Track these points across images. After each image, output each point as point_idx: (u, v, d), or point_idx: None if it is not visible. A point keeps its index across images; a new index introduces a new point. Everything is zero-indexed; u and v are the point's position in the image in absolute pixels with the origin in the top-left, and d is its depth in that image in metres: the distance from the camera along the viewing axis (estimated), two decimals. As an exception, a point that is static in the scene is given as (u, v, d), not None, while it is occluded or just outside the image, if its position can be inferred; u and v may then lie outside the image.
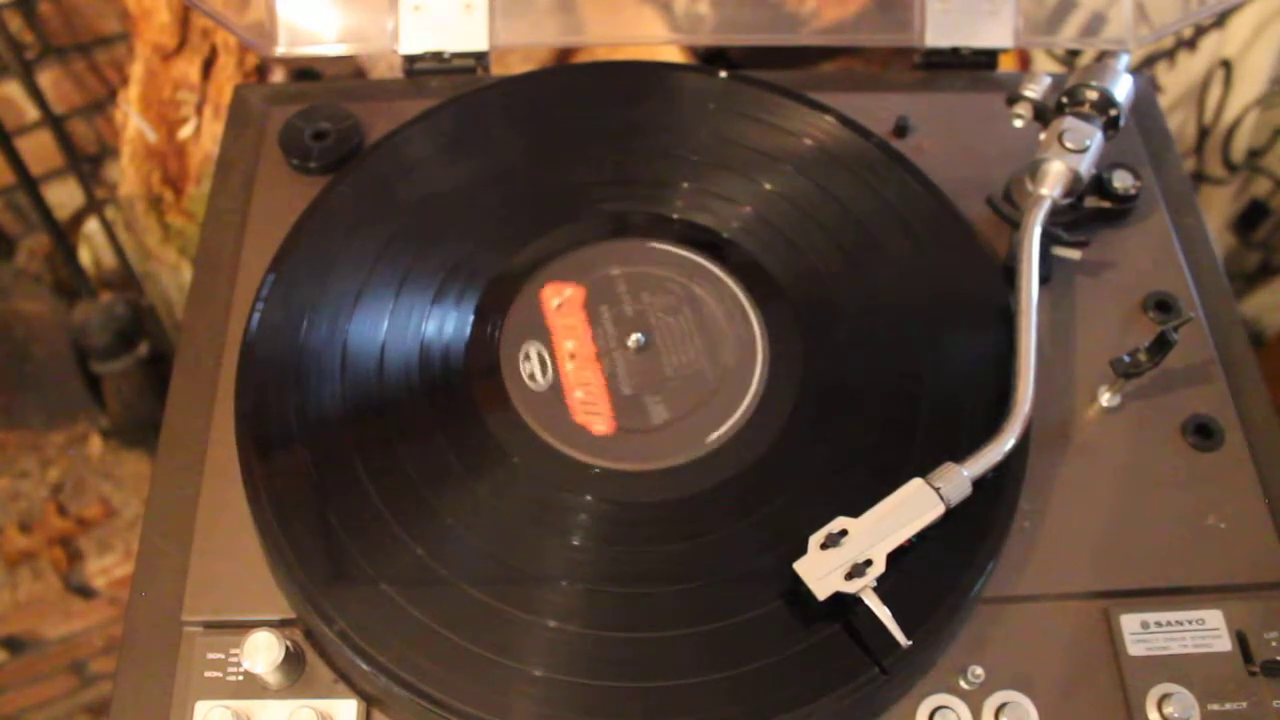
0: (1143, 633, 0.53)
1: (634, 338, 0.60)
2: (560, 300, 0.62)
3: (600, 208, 0.65)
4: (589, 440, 0.57)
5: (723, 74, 0.70)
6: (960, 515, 0.52)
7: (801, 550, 0.50)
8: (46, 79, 1.26)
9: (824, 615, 0.51)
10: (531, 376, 0.59)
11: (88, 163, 1.38)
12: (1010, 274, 0.60)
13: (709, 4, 0.83)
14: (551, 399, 0.58)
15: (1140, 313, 0.64)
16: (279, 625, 0.52)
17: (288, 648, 0.50)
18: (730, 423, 0.58)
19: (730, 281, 0.63)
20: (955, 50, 0.75)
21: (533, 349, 0.60)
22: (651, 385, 0.59)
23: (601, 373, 0.59)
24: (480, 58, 0.74)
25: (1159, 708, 0.51)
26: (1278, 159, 1.15)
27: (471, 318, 0.61)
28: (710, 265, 0.63)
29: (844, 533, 0.50)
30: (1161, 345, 0.56)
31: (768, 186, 0.66)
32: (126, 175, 1.27)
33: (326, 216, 0.63)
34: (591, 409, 0.58)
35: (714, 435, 0.57)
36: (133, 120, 1.23)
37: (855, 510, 0.51)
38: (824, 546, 0.50)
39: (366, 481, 0.54)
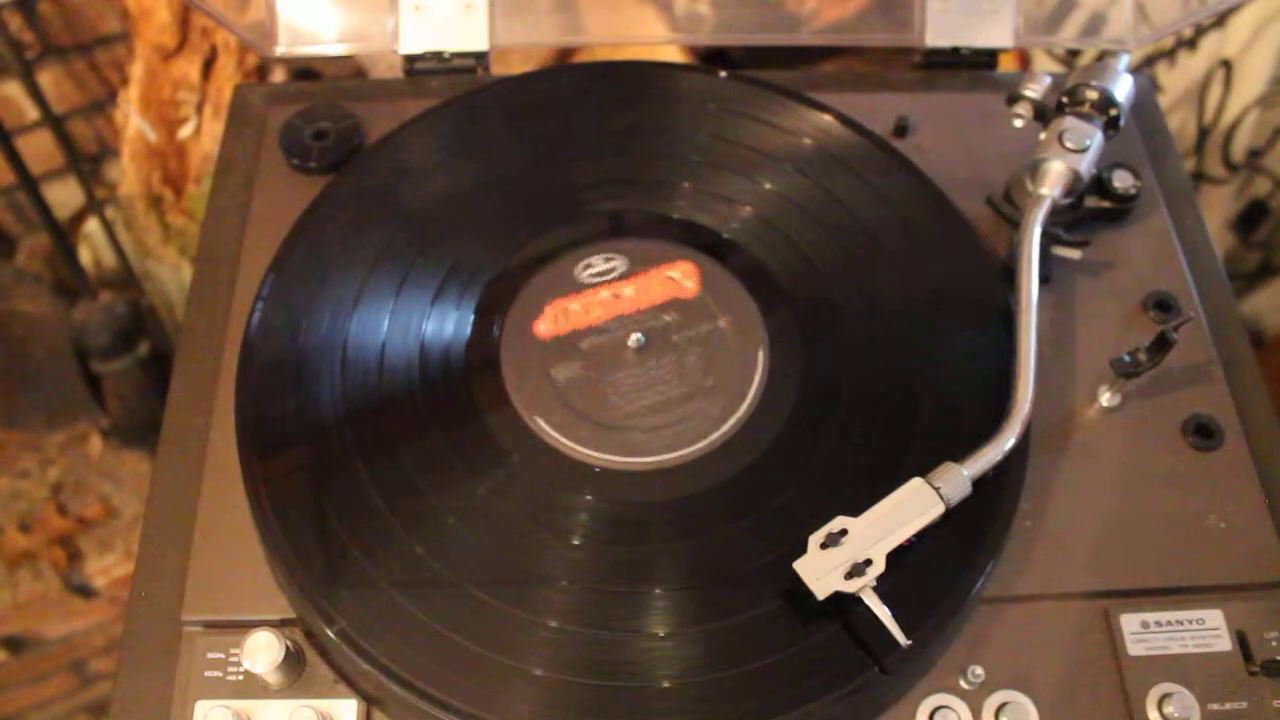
0: (1143, 632, 0.53)
1: (634, 337, 0.60)
2: (549, 323, 0.62)
3: (600, 208, 0.65)
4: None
5: (723, 74, 0.70)
6: (960, 515, 0.52)
7: (801, 550, 0.50)
8: (46, 79, 1.26)
9: (824, 615, 0.51)
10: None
11: (88, 163, 1.38)
12: (1010, 274, 0.60)
13: (709, 4, 0.83)
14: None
15: (1140, 313, 0.64)
16: (279, 625, 0.52)
17: (288, 648, 0.50)
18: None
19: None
20: (955, 50, 0.75)
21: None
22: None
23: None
24: (480, 58, 0.74)
25: (1159, 707, 0.51)
26: (1278, 159, 1.15)
27: (471, 317, 0.61)
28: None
29: (844, 532, 0.50)
30: (1161, 345, 0.56)
31: (768, 186, 0.66)
32: (126, 175, 1.27)
33: (326, 216, 0.63)
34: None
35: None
36: (133, 120, 1.23)
37: (855, 510, 0.51)
38: (824, 546, 0.50)
39: (366, 481, 0.54)
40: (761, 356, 0.60)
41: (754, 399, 0.58)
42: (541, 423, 0.57)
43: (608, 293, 0.62)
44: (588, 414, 0.58)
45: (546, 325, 0.61)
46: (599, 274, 0.62)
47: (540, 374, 0.59)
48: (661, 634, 0.51)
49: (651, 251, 0.63)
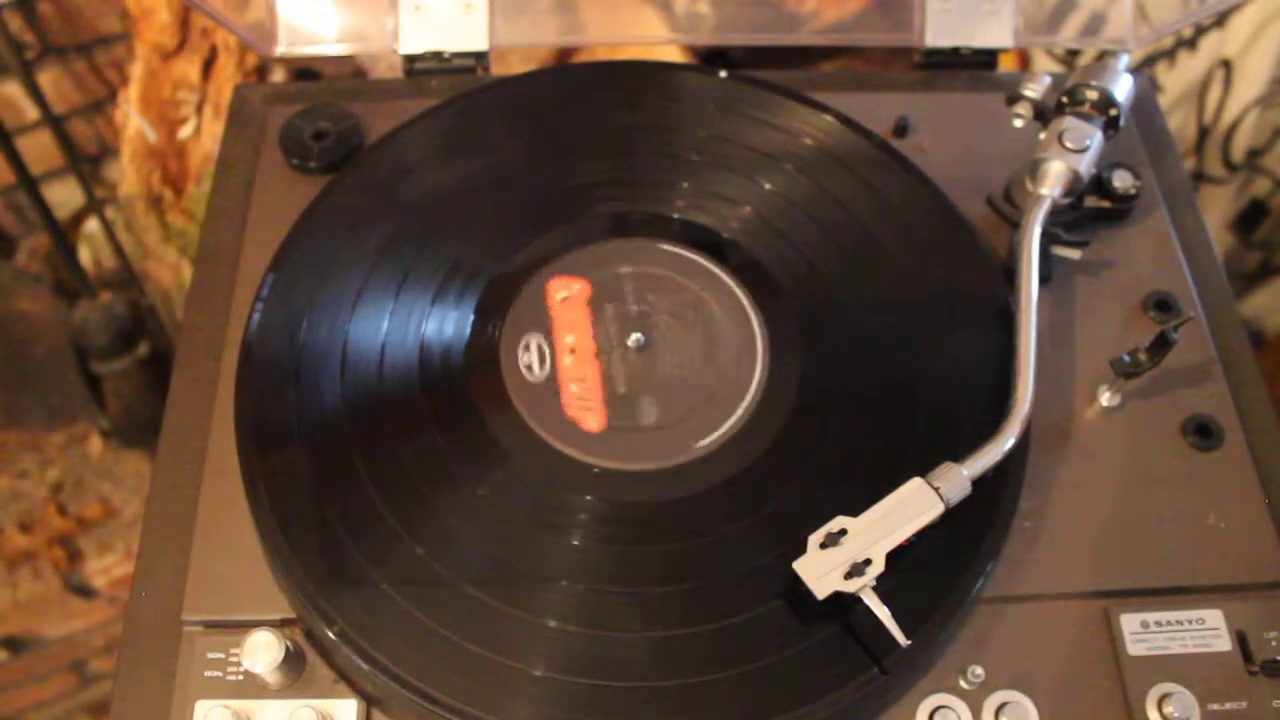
0: (1143, 632, 0.53)
1: (634, 337, 0.60)
2: (566, 294, 0.62)
3: (600, 208, 0.65)
4: (587, 439, 0.57)
5: (723, 74, 0.70)
6: (960, 515, 0.52)
7: (801, 550, 0.50)
8: (46, 79, 1.26)
9: (824, 615, 0.51)
10: (529, 368, 0.59)
11: (88, 163, 1.38)
12: (1010, 274, 0.60)
13: (709, 4, 0.83)
14: (547, 394, 0.58)
15: (1140, 313, 0.64)
16: (279, 625, 0.52)
17: (288, 648, 0.50)
18: (730, 422, 0.58)
19: (730, 282, 0.63)
20: (955, 50, 0.75)
21: (533, 340, 0.60)
22: (651, 384, 0.59)
23: (599, 370, 0.59)
24: (480, 58, 0.74)
25: (1159, 707, 0.51)
26: (1278, 159, 1.15)
27: (471, 317, 0.61)
28: (710, 265, 0.63)
29: (843, 532, 0.50)
30: (1161, 345, 0.56)
31: (768, 186, 0.66)
32: (126, 175, 1.27)
33: (326, 216, 0.63)
34: (585, 406, 0.58)
35: (714, 434, 0.57)
36: (133, 120, 1.23)
37: (855, 510, 0.51)
38: (823, 546, 0.50)
39: (366, 481, 0.54)
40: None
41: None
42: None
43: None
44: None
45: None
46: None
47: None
48: (661, 634, 0.51)
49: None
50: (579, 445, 0.57)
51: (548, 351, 0.60)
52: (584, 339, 0.60)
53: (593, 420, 0.58)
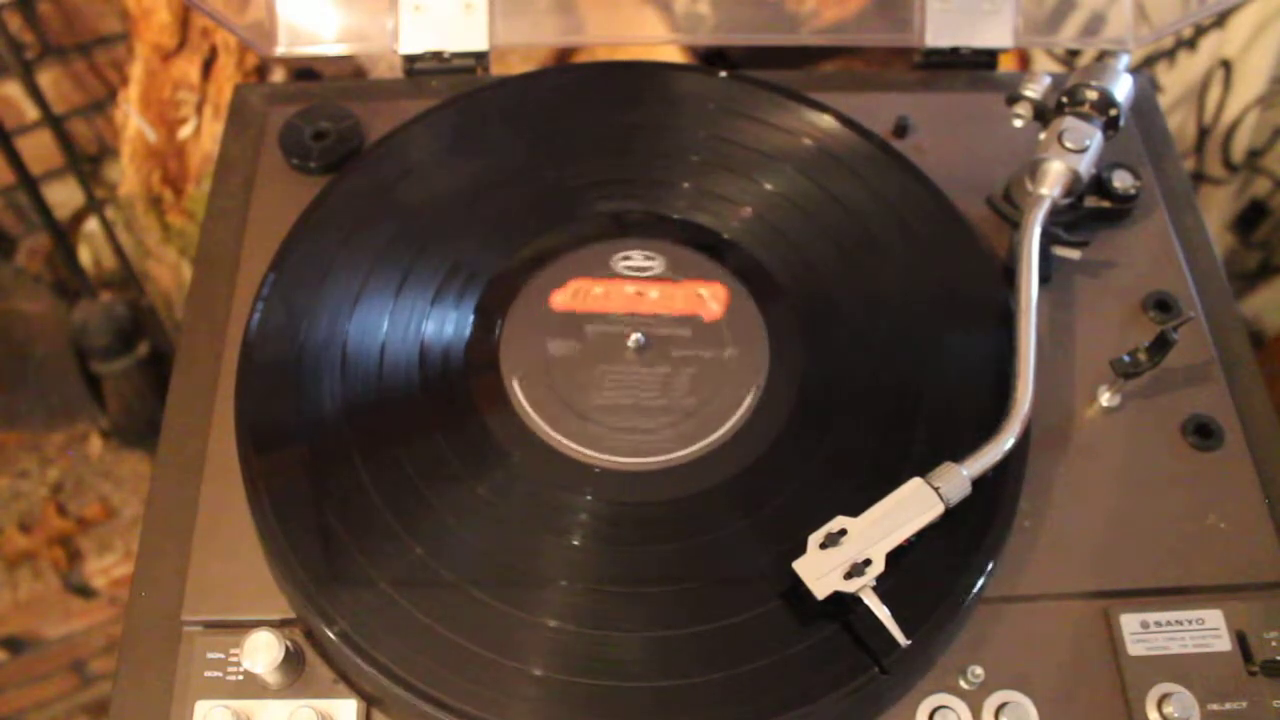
0: (1143, 632, 0.53)
1: (634, 337, 0.60)
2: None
3: (600, 208, 0.65)
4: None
5: (723, 74, 0.70)
6: (960, 515, 0.52)
7: (801, 550, 0.50)
8: (46, 79, 1.26)
9: (823, 615, 0.51)
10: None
11: (88, 163, 1.38)
12: (1010, 274, 0.60)
13: (709, 4, 0.83)
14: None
15: (1140, 313, 0.64)
16: (279, 625, 0.52)
17: (288, 648, 0.50)
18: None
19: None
20: (955, 50, 0.75)
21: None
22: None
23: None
24: (480, 58, 0.74)
25: (1159, 707, 0.51)
26: (1278, 159, 1.15)
27: (471, 317, 0.61)
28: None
29: (843, 532, 0.50)
30: (1161, 345, 0.56)
31: (768, 186, 0.66)
32: (126, 175, 1.27)
33: (326, 216, 0.63)
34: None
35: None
36: (133, 120, 1.23)
37: (855, 510, 0.51)
38: (823, 546, 0.50)
39: (366, 481, 0.54)
40: (761, 357, 0.60)
41: (754, 399, 0.58)
42: (541, 422, 0.57)
43: (633, 288, 0.62)
44: (588, 414, 0.58)
45: (564, 298, 0.61)
46: (633, 268, 0.62)
47: (540, 360, 0.59)
48: (661, 634, 0.51)
49: (690, 263, 0.63)
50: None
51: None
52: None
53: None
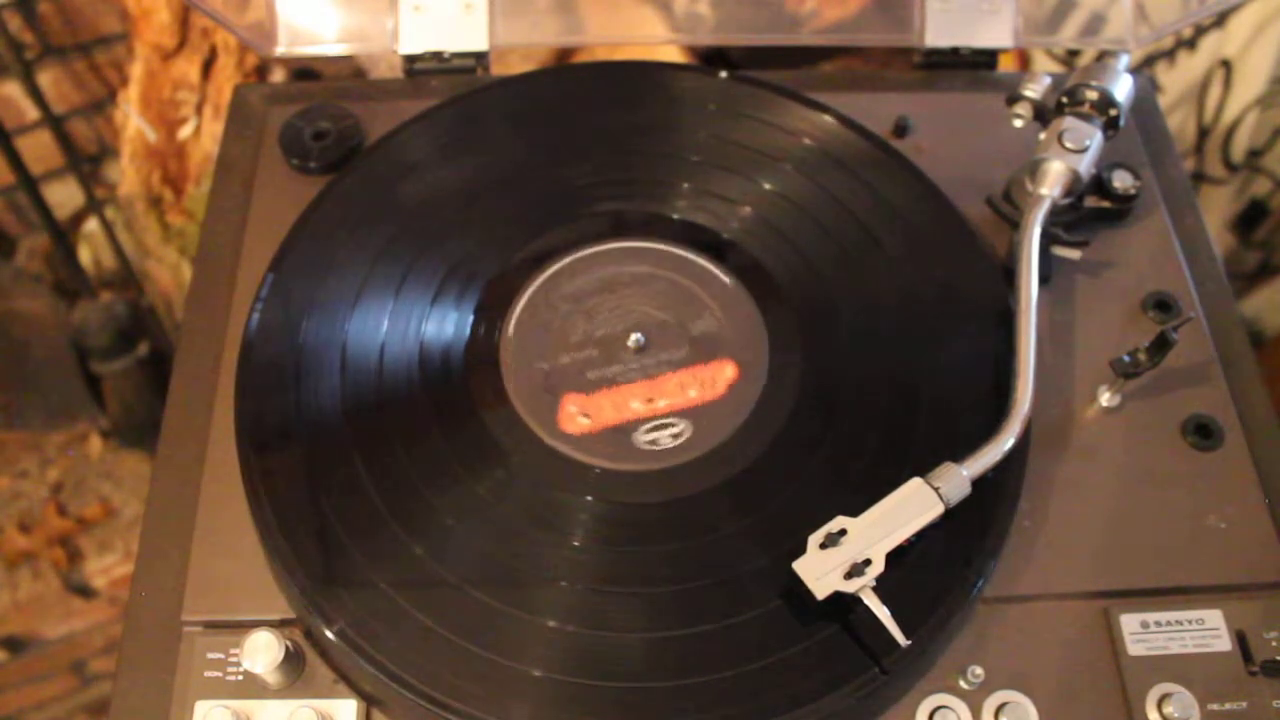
0: (1143, 633, 0.53)
1: (634, 337, 0.60)
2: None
3: (600, 208, 0.65)
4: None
5: (723, 74, 0.70)
6: (960, 515, 0.52)
7: (801, 550, 0.50)
8: (46, 79, 1.26)
9: (823, 615, 0.51)
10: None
11: (88, 163, 1.38)
12: (1010, 274, 0.60)
13: (709, 4, 0.83)
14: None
15: (1140, 313, 0.64)
16: (279, 625, 0.52)
17: (288, 648, 0.50)
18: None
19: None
20: (955, 50, 0.75)
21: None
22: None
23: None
24: (480, 58, 0.74)
25: (1159, 708, 0.51)
26: (1278, 159, 1.15)
27: (471, 318, 0.61)
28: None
29: (843, 532, 0.50)
30: (1161, 345, 0.56)
31: (768, 186, 0.66)
32: (126, 175, 1.27)
33: (326, 216, 0.63)
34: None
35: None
36: (133, 120, 1.23)
37: (855, 510, 0.51)
38: (823, 546, 0.50)
39: (366, 481, 0.54)
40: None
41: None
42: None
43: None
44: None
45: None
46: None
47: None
48: (661, 634, 0.51)
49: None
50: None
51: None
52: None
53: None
